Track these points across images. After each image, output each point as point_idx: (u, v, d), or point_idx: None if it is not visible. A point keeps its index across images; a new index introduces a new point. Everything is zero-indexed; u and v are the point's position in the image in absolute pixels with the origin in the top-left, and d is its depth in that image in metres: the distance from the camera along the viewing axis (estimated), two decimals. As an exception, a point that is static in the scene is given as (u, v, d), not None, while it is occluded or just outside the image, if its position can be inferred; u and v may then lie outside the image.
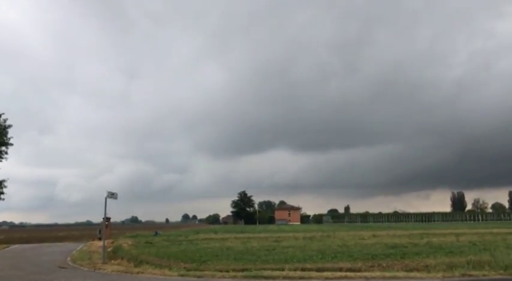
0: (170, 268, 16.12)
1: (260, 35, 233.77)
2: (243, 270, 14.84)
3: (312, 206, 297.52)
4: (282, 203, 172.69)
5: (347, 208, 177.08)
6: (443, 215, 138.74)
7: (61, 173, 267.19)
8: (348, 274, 13.86)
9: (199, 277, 14.18)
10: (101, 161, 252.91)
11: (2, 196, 38.69)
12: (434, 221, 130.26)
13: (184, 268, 16.02)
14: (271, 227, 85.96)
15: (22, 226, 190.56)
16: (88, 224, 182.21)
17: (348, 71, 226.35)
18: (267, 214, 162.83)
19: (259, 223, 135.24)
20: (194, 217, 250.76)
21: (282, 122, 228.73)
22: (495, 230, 40.99)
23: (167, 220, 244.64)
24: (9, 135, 37.76)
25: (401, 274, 13.65)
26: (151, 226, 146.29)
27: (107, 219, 30.54)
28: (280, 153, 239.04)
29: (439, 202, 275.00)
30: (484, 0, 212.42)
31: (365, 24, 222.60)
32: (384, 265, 15.30)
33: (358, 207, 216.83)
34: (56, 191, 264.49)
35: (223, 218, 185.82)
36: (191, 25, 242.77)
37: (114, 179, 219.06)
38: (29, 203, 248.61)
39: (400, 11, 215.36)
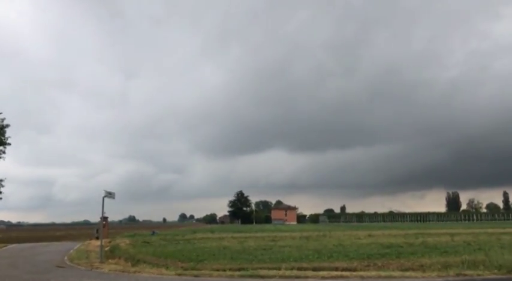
0: (167, 267, 16.20)
1: (258, 35, 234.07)
2: (239, 269, 14.94)
3: (309, 206, 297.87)
4: (279, 203, 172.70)
5: (343, 208, 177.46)
6: (438, 215, 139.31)
7: (59, 173, 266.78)
8: (344, 273, 13.99)
9: (196, 276, 14.26)
10: (98, 161, 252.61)
11: (0, 195, 38.63)
12: (429, 221, 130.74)
13: (181, 267, 16.11)
14: (267, 226, 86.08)
15: (20, 226, 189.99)
16: (85, 224, 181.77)
17: (345, 72, 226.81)
18: (264, 214, 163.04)
19: (256, 223, 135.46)
20: (191, 216, 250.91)
21: (280, 122, 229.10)
22: (489, 230, 41.19)
23: (164, 220, 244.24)
24: (7, 135, 37.66)
25: (396, 273, 13.78)
26: (148, 225, 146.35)
27: (105, 218, 30.60)
28: (277, 153, 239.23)
29: (434, 202, 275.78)
30: (480, 2, 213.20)
31: (362, 25, 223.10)
32: (380, 264, 15.43)
33: (354, 207, 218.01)
34: (54, 190, 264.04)
35: (220, 218, 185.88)
36: (190, 26, 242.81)
37: (112, 178, 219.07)
38: (26, 203, 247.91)
39: (397, 12, 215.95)
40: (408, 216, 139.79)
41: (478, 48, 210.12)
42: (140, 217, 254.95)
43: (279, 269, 14.56)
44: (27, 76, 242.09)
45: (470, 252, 18.19)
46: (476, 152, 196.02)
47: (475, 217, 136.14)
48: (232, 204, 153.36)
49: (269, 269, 14.67)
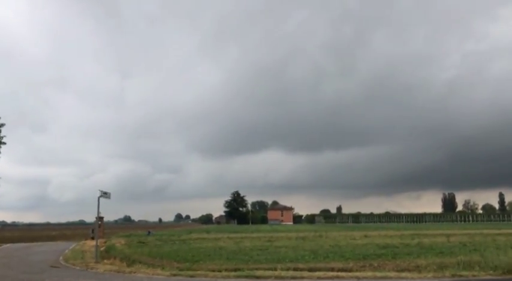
0: (163, 268, 16.16)
1: (256, 35, 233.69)
2: (235, 270, 14.92)
3: (305, 206, 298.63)
4: (275, 203, 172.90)
5: (339, 208, 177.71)
6: (434, 216, 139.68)
7: (54, 173, 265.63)
8: (340, 273, 13.99)
9: (191, 276, 14.23)
10: (94, 161, 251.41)
11: (-5, 195, 38.49)
12: (425, 221, 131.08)
13: (177, 267, 16.07)
14: (264, 227, 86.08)
15: (14, 225, 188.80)
16: (81, 224, 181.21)
17: (342, 73, 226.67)
18: (260, 214, 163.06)
19: (252, 223, 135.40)
20: (187, 216, 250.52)
21: (276, 122, 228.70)
22: (485, 231, 41.34)
23: (160, 220, 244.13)
24: (2, 134, 37.52)
25: (392, 274, 13.78)
26: (144, 225, 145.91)
27: (100, 218, 30.54)
28: (273, 153, 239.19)
29: (430, 203, 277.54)
30: (477, 3, 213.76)
31: (360, 26, 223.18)
32: (376, 265, 15.44)
33: (350, 207, 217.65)
34: (49, 190, 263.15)
35: (216, 218, 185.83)
36: (186, 25, 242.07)
37: (108, 178, 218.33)
38: (21, 202, 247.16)
39: (394, 13, 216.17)
40: (404, 217, 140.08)
41: (475, 49, 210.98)
42: (136, 217, 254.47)
43: (275, 269, 14.54)
44: (23, 75, 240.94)
45: (465, 253, 18.24)
46: (472, 154, 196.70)
47: (470, 218, 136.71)
48: (228, 204, 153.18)
49: (265, 269, 14.66)
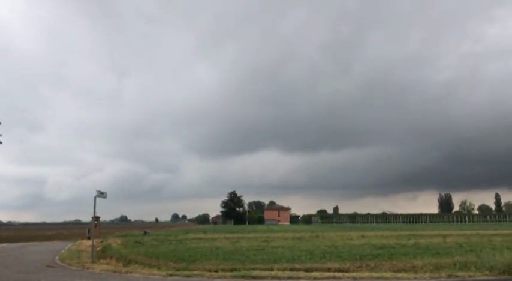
0: (159, 268, 16.11)
1: (253, 35, 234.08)
2: (232, 270, 14.89)
3: (302, 206, 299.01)
4: (272, 203, 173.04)
5: (336, 209, 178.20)
6: (430, 217, 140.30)
7: (50, 172, 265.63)
8: (336, 274, 13.97)
9: (188, 276, 14.19)
10: (90, 160, 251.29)
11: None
12: (421, 222, 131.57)
13: (173, 267, 16.03)
14: (260, 227, 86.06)
15: (10, 225, 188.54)
16: (77, 223, 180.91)
17: (339, 73, 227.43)
18: (257, 214, 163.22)
19: (248, 223, 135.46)
20: (184, 216, 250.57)
21: (273, 122, 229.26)
22: (481, 232, 41.45)
23: (157, 220, 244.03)
24: (-3, 133, 37.32)
25: (389, 274, 13.78)
26: (140, 225, 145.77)
27: (96, 218, 30.45)
28: (270, 153, 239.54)
29: (427, 203, 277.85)
30: (474, 4, 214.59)
31: (357, 26, 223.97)
32: (372, 265, 15.44)
33: (346, 208, 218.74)
34: (45, 189, 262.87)
35: (212, 218, 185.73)
36: (183, 24, 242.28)
37: (104, 178, 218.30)
38: (17, 202, 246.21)
39: (391, 14, 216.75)
40: (401, 217, 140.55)
41: (471, 51, 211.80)
42: (132, 217, 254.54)
43: (272, 270, 14.52)
44: (18, 73, 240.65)
45: (462, 253, 18.29)
46: (468, 154, 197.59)
47: (467, 219, 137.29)
48: (225, 204, 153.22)
49: (261, 269, 14.63)
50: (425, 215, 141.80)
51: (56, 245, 33.59)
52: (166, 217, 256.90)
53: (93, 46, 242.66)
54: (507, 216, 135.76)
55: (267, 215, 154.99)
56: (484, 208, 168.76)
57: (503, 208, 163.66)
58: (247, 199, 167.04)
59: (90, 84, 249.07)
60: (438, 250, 20.77)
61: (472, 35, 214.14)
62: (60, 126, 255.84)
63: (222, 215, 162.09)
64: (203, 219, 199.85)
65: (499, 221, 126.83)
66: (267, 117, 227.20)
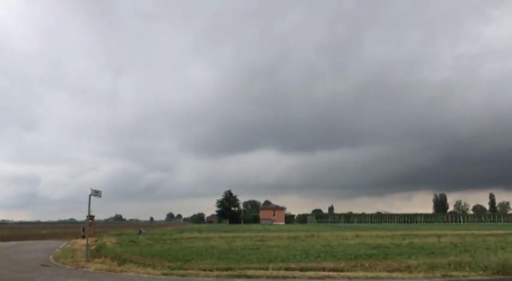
0: (154, 267, 16.08)
1: (250, 35, 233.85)
2: (227, 269, 14.88)
3: (297, 206, 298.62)
4: (267, 202, 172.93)
5: (331, 208, 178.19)
6: (425, 217, 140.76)
7: (45, 170, 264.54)
8: (331, 273, 14.00)
9: (183, 276, 14.19)
10: (85, 159, 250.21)
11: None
12: (416, 222, 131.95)
13: (168, 266, 16.00)
14: (255, 226, 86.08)
15: (4, 223, 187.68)
16: (71, 222, 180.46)
17: (335, 73, 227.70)
18: (252, 214, 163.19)
19: (244, 223, 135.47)
20: (179, 216, 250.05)
21: (269, 122, 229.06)
22: (476, 232, 41.64)
23: (152, 219, 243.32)
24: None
25: (383, 274, 13.81)
26: (135, 224, 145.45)
27: (91, 217, 30.34)
28: (266, 153, 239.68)
29: (422, 203, 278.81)
30: (470, 5, 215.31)
31: (354, 26, 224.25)
32: (367, 265, 15.47)
33: (342, 207, 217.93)
34: (39, 188, 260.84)
35: (208, 218, 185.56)
36: (181, 23, 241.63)
37: (99, 177, 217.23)
38: (11, 200, 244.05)
39: (387, 14, 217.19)
40: (396, 217, 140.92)
41: (467, 51, 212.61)
42: (127, 216, 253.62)
43: (267, 269, 14.53)
44: (14, 72, 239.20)
45: (456, 253, 18.35)
46: (463, 155, 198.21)
47: (461, 219, 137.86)
48: (221, 204, 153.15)
49: (256, 269, 14.64)
50: (420, 215, 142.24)
51: (51, 244, 33.47)
52: (161, 216, 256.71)
53: (90, 45, 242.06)
54: (501, 216, 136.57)
55: (262, 214, 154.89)
56: (478, 208, 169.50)
57: (498, 208, 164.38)
58: (242, 199, 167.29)
59: (86, 83, 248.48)
60: (433, 250, 20.83)
61: (468, 36, 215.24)
62: (55, 125, 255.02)
63: (217, 215, 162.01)
64: (198, 218, 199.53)
65: (493, 222, 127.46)
66: (263, 117, 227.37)
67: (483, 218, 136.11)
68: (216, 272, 14.45)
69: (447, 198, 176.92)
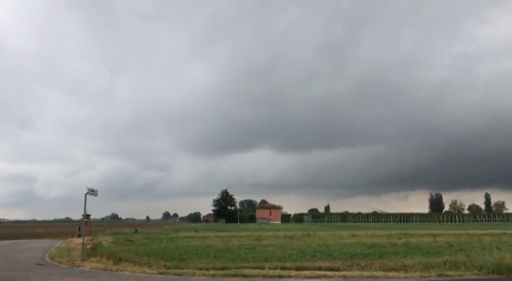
0: (150, 266, 16.05)
1: (247, 34, 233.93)
2: (223, 268, 14.88)
3: (293, 205, 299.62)
4: (264, 202, 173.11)
5: (327, 208, 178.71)
6: (421, 216, 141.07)
7: (40, 169, 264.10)
8: (327, 273, 14.02)
9: (179, 275, 14.18)
10: (81, 158, 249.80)
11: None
12: (412, 221, 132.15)
13: (164, 266, 15.96)
14: (252, 225, 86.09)
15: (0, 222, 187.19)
16: (67, 221, 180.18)
17: (332, 72, 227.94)
18: (248, 213, 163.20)
19: (240, 222, 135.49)
20: (175, 215, 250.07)
21: (266, 121, 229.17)
22: (471, 232, 41.75)
23: (148, 218, 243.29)
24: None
25: (379, 273, 13.84)
26: (131, 223, 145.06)
27: (87, 216, 30.28)
28: (263, 152, 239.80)
29: (418, 203, 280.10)
30: (467, 5, 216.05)
31: (351, 26, 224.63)
32: (363, 264, 15.49)
33: (338, 207, 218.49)
34: (35, 187, 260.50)
35: (204, 217, 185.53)
36: (178, 22, 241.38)
37: (95, 176, 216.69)
38: (6, 199, 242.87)
39: (385, 13, 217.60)
40: (391, 216, 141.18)
41: (464, 51, 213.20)
42: (123, 215, 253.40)
43: (263, 268, 14.53)
44: (10, 70, 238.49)
45: (452, 253, 18.37)
46: (459, 155, 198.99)
47: (457, 218, 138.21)
48: (217, 203, 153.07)
49: (252, 268, 14.64)
50: (416, 214, 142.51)
51: (46, 243, 33.36)
52: (157, 215, 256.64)
53: (87, 43, 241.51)
54: (497, 216, 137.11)
55: (259, 213, 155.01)
56: (474, 208, 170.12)
57: (493, 208, 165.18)
58: (239, 198, 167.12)
59: (83, 82, 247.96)
60: (428, 249, 20.89)
61: (465, 36, 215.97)
62: (51, 124, 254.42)
63: (213, 214, 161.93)
64: (194, 217, 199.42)
65: (489, 221, 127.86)
66: (260, 116, 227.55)
67: (478, 218, 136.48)
68: (212, 271, 14.44)
69: (443, 198, 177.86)
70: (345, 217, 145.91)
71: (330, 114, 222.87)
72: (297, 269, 14.62)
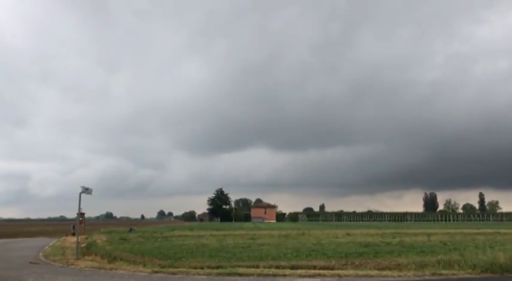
0: (144, 265, 16.03)
1: (243, 33, 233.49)
2: (217, 267, 14.88)
3: (288, 204, 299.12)
4: (259, 201, 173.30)
5: (322, 207, 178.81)
6: (415, 215, 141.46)
7: (35, 167, 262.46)
8: (322, 271, 14.05)
9: (173, 273, 14.17)
10: (76, 156, 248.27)
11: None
12: (407, 220, 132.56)
13: (159, 264, 15.93)
14: (247, 224, 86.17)
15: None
16: (62, 220, 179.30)
17: (328, 71, 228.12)
18: (243, 212, 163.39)
19: (235, 221, 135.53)
20: (170, 213, 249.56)
21: (262, 120, 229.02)
22: (465, 231, 41.98)
23: (142, 217, 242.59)
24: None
25: (373, 272, 13.90)
26: (126, 222, 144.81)
27: (81, 215, 30.18)
28: (258, 151, 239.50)
29: (412, 202, 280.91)
30: (462, 6, 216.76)
31: (347, 25, 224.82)
32: (357, 263, 15.52)
33: (333, 206, 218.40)
34: (30, 185, 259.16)
35: (199, 215, 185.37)
36: (174, 21, 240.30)
37: (90, 174, 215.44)
38: (1, 197, 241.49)
39: (380, 13, 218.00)
40: (386, 216, 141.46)
41: (459, 51, 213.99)
42: (118, 214, 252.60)
43: (257, 267, 14.55)
44: (4, 68, 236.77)
45: (446, 252, 18.45)
46: (453, 154, 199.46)
47: (451, 218, 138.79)
48: (212, 202, 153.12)
49: (247, 267, 14.65)
50: (411, 214, 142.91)
51: (40, 241, 33.26)
52: (152, 214, 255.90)
53: (82, 41, 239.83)
54: (490, 215, 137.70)
55: (254, 212, 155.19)
56: (468, 207, 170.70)
57: (487, 208, 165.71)
58: (234, 197, 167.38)
59: (78, 80, 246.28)
60: (422, 248, 20.97)
61: (460, 36, 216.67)
62: (46, 122, 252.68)
63: (208, 213, 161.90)
64: (189, 216, 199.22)
65: (483, 220, 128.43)
66: (256, 115, 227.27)
67: (472, 217, 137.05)
68: (206, 270, 14.45)
69: (437, 197, 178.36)
70: (339, 216, 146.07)
71: (325, 113, 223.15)
72: (292, 268, 14.65)
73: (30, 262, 18.23)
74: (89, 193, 20.49)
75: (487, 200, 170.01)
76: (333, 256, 17.48)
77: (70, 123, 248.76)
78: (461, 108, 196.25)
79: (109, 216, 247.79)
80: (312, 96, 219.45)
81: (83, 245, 24.16)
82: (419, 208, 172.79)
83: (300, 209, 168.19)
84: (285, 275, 13.40)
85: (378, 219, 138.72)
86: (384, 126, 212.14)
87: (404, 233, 37.87)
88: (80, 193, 19.85)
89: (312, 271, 14.05)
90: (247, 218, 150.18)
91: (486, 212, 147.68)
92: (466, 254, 15.88)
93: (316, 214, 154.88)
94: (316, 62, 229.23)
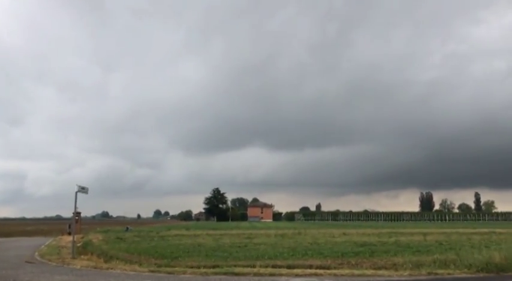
0: (141, 264, 16.01)
1: (241, 32, 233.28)
2: (214, 266, 14.88)
3: (285, 203, 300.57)
4: (255, 200, 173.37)
5: (318, 206, 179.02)
6: (411, 215, 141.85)
7: (31, 166, 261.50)
8: (318, 271, 14.07)
9: (170, 273, 14.15)
10: (72, 155, 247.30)
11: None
12: (403, 220, 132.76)
13: (155, 264, 15.93)
14: (243, 224, 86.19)
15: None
16: (58, 219, 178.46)
17: (325, 71, 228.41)
18: (240, 211, 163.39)
19: (231, 220, 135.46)
20: (166, 213, 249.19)
21: (259, 119, 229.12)
22: (461, 230, 42.11)
23: (139, 216, 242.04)
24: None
25: (369, 271, 13.93)
26: (122, 221, 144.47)
27: (77, 214, 30.09)
28: (255, 150, 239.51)
29: (408, 202, 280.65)
30: (459, 6, 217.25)
31: (344, 25, 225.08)
32: (353, 262, 15.56)
33: (329, 205, 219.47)
34: (25, 184, 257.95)
35: (195, 215, 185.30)
36: (172, 19, 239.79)
37: (86, 173, 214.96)
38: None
39: (377, 13, 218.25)
40: (382, 215, 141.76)
41: (456, 51, 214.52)
42: (114, 213, 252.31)
43: (254, 266, 14.54)
44: (0, 66, 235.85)
45: (441, 251, 18.52)
46: (450, 154, 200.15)
47: (447, 217, 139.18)
48: (208, 201, 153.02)
49: (244, 266, 14.65)
50: (407, 213, 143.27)
51: (36, 240, 33.16)
52: (148, 213, 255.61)
53: (79, 40, 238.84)
54: (486, 215, 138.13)
55: (250, 212, 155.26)
56: (464, 207, 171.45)
57: (483, 207, 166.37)
58: (230, 196, 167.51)
59: (74, 78, 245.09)
60: (418, 248, 21.03)
61: (457, 36, 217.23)
62: (42, 120, 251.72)
63: (205, 212, 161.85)
64: (186, 216, 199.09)
65: (479, 220, 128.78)
66: (253, 114, 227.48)
67: (468, 217, 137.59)
68: (203, 270, 14.44)
69: (433, 197, 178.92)
70: (336, 215, 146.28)
71: (322, 113, 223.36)
72: (288, 267, 14.67)
73: (26, 261, 18.17)
74: (85, 192, 20.45)
75: (482, 199, 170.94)
76: (329, 256, 17.52)
77: (66, 122, 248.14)
78: (458, 109, 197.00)
79: (105, 215, 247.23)
80: (309, 96, 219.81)
81: (79, 245, 24.11)
82: (415, 207, 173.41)
83: (296, 209, 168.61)
84: (281, 275, 13.42)
85: (374, 218, 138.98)
86: (381, 126, 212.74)
87: (400, 232, 37.96)
88: (76, 192, 19.81)
89: (309, 270, 14.07)
90: (243, 217, 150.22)
91: (482, 212, 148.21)
92: (462, 253, 15.94)
93: (313, 214, 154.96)
94: (313, 62, 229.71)
